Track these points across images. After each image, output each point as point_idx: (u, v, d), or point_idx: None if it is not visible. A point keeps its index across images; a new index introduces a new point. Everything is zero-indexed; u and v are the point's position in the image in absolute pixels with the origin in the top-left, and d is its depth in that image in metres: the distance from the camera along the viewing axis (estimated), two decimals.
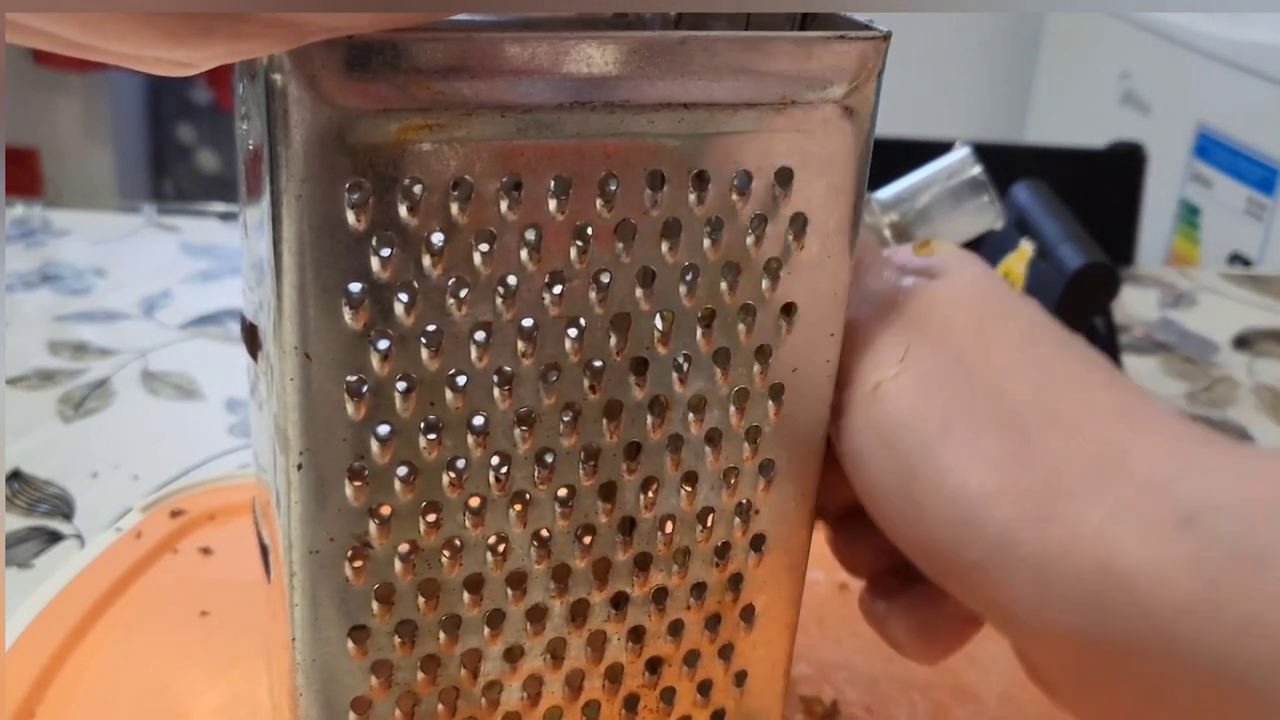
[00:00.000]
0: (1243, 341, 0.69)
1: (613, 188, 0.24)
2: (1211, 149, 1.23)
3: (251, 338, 0.27)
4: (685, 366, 0.26)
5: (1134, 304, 0.74)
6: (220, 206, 0.80)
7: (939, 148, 0.48)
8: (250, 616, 0.37)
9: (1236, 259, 1.19)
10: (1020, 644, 0.26)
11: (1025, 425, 0.25)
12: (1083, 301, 0.52)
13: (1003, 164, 0.55)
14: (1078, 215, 0.56)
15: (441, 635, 0.26)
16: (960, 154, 0.46)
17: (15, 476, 0.48)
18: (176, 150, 1.90)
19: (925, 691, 0.37)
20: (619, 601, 0.27)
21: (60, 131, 1.77)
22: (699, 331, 0.26)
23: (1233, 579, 0.21)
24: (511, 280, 0.24)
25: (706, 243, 0.25)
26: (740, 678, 0.29)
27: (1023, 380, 0.26)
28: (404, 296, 0.23)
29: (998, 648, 0.38)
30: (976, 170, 0.46)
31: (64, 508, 0.47)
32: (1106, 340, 0.57)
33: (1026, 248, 0.55)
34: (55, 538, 0.45)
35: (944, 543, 0.25)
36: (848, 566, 0.30)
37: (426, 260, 0.23)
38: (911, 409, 0.26)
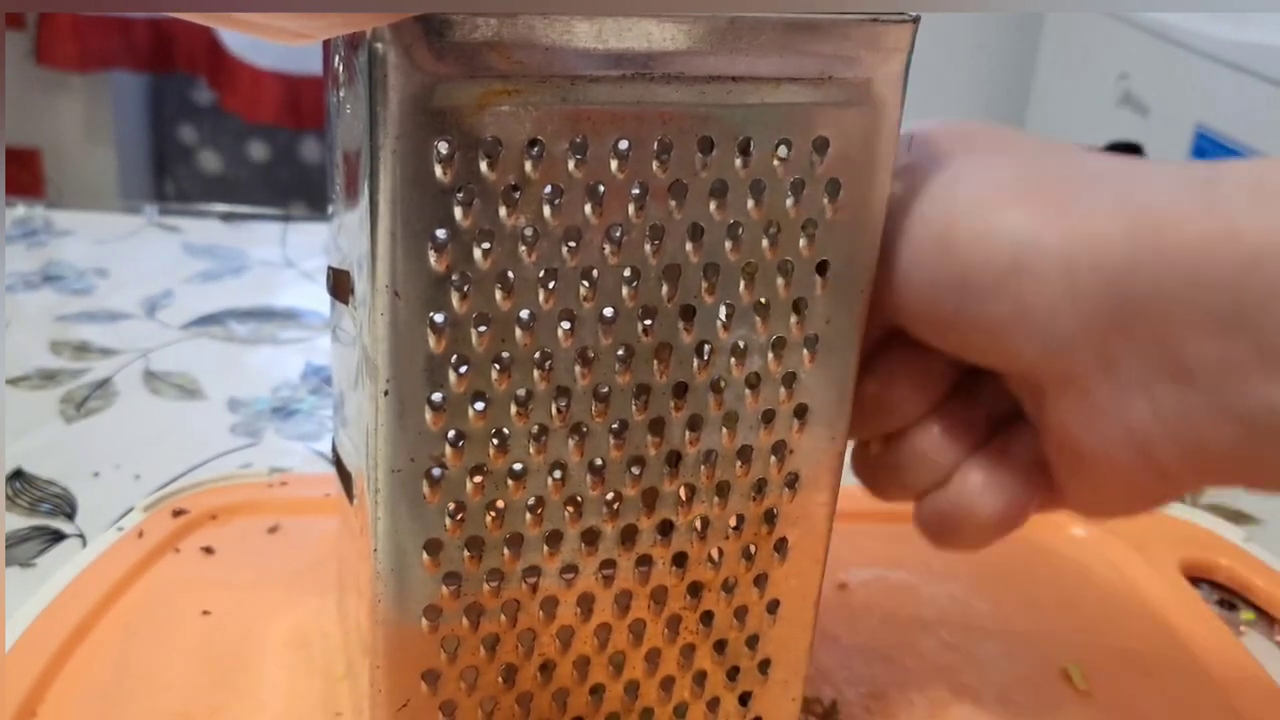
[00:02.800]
0: None
1: (667, 151, 0.27)
2: (1210, 150, 1.24)
3: (340, 284, 0.30)
4: (729, 315, 0.29)
5: None
6: (222, 207, 0.81)
7: None
8: (251, 616, 0.39)
9: None
10: (1051, 376, 0.28)
11: (1031, 159, 0.28)
12: None
13: None
14: None
15: (505, 551, 0.29)
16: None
17: (17, 476, 0.49)
18: (178, 151, 1.91)
19: (924, 691, 0.38)
20: (665, 528, 0.30)
21: (62, 132, 1.79)
22: (741, 284, 0.28)
23: (1249, 214, 0.24)
24: (577, 231, 0.27)
25: (750, 203, 0.28)
26: (773, 606, 0.32)
27: (1021, 143, 0.29)
28: (482, 243, 0.26)
29: (997, 647, 0.41)
30: None
31: (66, 507, 0.47)
32: None
33: None
34: (57, 537, 0.45)
35: (971, 265, 0.27)
36: (909, 473, 0.31)
37: (502, 211, 0.26)
38: (942, 184, 0.29)
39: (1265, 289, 0.24)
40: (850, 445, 0.33)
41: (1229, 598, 0.46)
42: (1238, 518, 0.51)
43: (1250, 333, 0.24)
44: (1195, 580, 0.46)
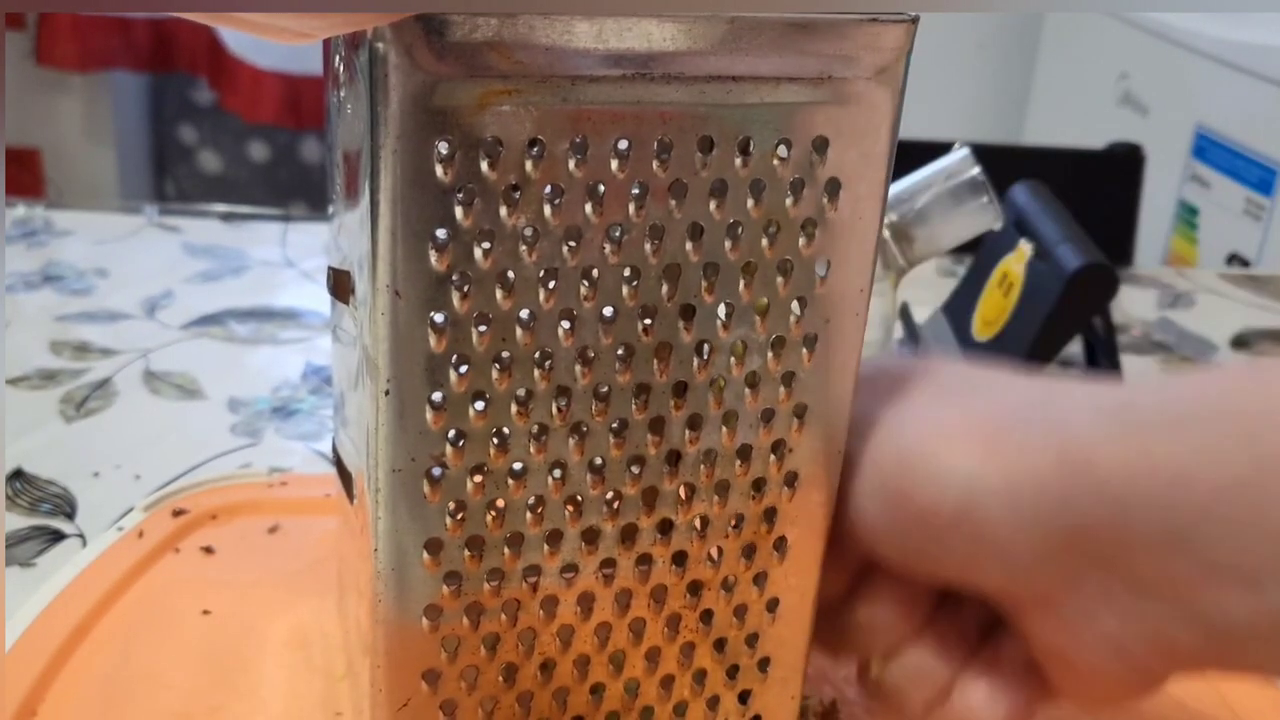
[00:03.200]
0: (1241, 341, 0.70)
1: (667, 151, 0.27)
2: (1210, 150, 1.24)
3: (340, 284, 0.30)
4: (728, 314, 0.29)
5: (1132, 304, 0.74)
6: (221, 207, 0.81)
7: (938, 149, 0.50)
8: (251, 616, 0.39)
9: (1235, 259, 1.20)
10: (1021, 594, 0.30)
11: (964, 395, 0.30)
12: (1081, 302, 0.53)
13: (1001, 165, 0.56)
14: (1076, 216, 0.56)
15: (506, 551, 0.29)
16: (959, 155, 0.48)
17: (17, 476, 0.49)
18: (178, 151, 1.91)
19: None
20: (665, 527, 0.30)
21: (62, 132, 1.79)
22: (741, 283, 0.28)
23: (1164, 443, 0.26)
24: (577, 230, 0.27)
25: (750, 202, 0.28)
26: (772, 604, 0.32)
27: (945, 386, 0.31)
28: (483, 243, 0.26)
29: None
30: (975, 171, 0.48)
31: (66, 507, 0.47)
32: (1105, 341, 0.58)
33: (1025, 248, 0.56)
34: (57, 537, 0.45)
35: (926, 508, 0.29)
36: (912, 688, 0.32)
37: (503, 211, 0.26)
38: (873, 424, 0.31)
39: (1191, 510, 0.26)
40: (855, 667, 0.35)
41: None
42: None
43: (1188, 550, 0.26)
44: None
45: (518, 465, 0.28)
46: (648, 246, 0.27)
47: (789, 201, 0.28)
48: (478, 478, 0.28)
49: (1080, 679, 0.30)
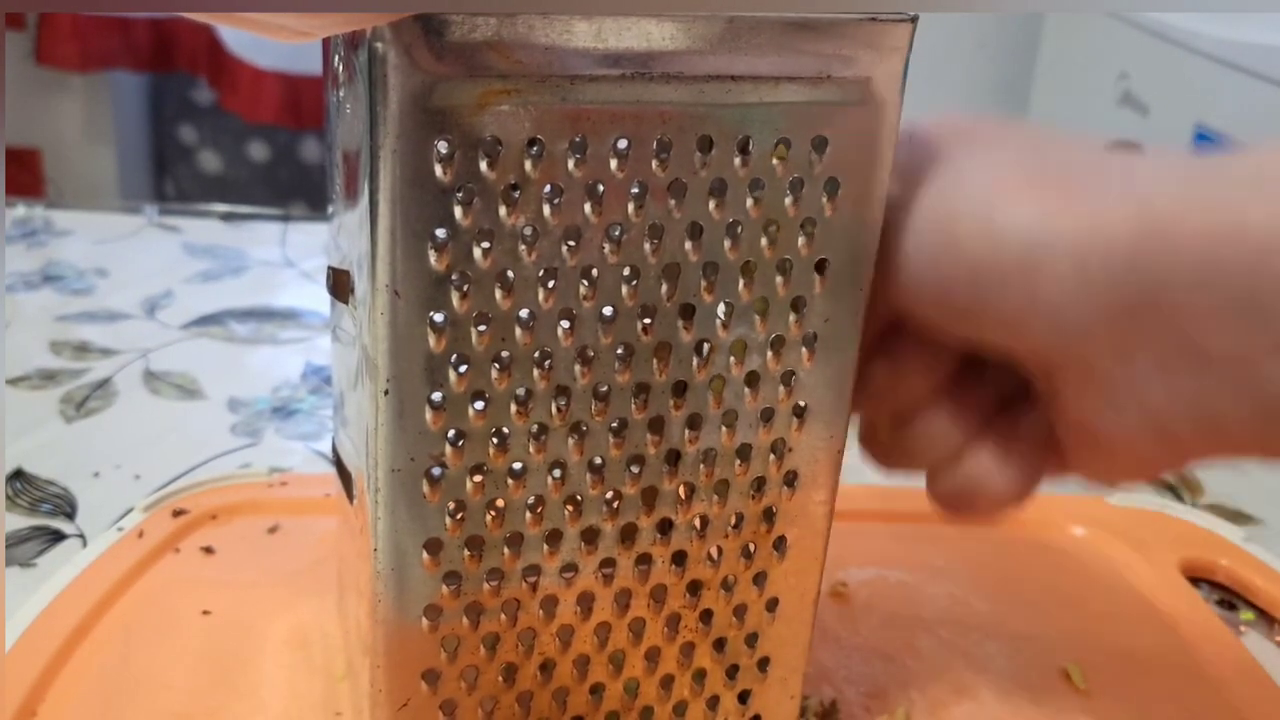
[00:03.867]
0: None
1: (667, 150, 0.27)
2: (1210, 150, 1.24)
3: (340, 284, 0.30)
4: (728, 314, 0.29)
5: None
6: (222, 207, 0.81)
7: None
8: (251, 616, 0.39)
9: None
10: (1064, 365, 0.28)
11: (1035, 152, 0.28)
12: None
13: None
14: None
15: (505, 551, 0.29)
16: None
17: (17, 476, 0.49)
18: (178, 151, 1.90)
19: (924, 690, 0.38)
20: (664, 527, 0.30)
21: (62, 132, 1.78)
22: (741, 282, 0.28)
23: (1256, 208, 0.25)
24: (576, 230, 0.27)
25: (749, 202, 0.28)
26: (772, 604, 0.32)
27: (1023, 136, 0.29)
28: (482, 243, 0.26)
29: (997, 647, 0.41)
30: None
31: (66, 507, 0.47)
32: None
33: None
34: (57, 537, 0.45)
35: (981, 260, 0.27)
36: (919, 450, 0.31)
37: (502, 211, 0.26)
38: (927, 172, 0.29)
39: (1275, 280, 0.24)
40: (856, 423, 0.33)
41: (1229, 598, 0.46)
42: (1238, 518, 0.51)
43: (1263, 321, 0.25)
44: (1195, 580, 0.46)
45: (517, 465, 0.28)
46: (647, 246, 0.27)
47: (788, 201, 0.28)
48: (477, 477, 0.28)
49: (1104, 455, 0.29)
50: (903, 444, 0.32)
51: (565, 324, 0.27)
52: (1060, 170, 0.28)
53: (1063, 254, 0.26)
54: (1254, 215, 0.25)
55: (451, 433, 0.28)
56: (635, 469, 0.29)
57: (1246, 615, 0.45)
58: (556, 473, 0.29)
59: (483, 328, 0.27)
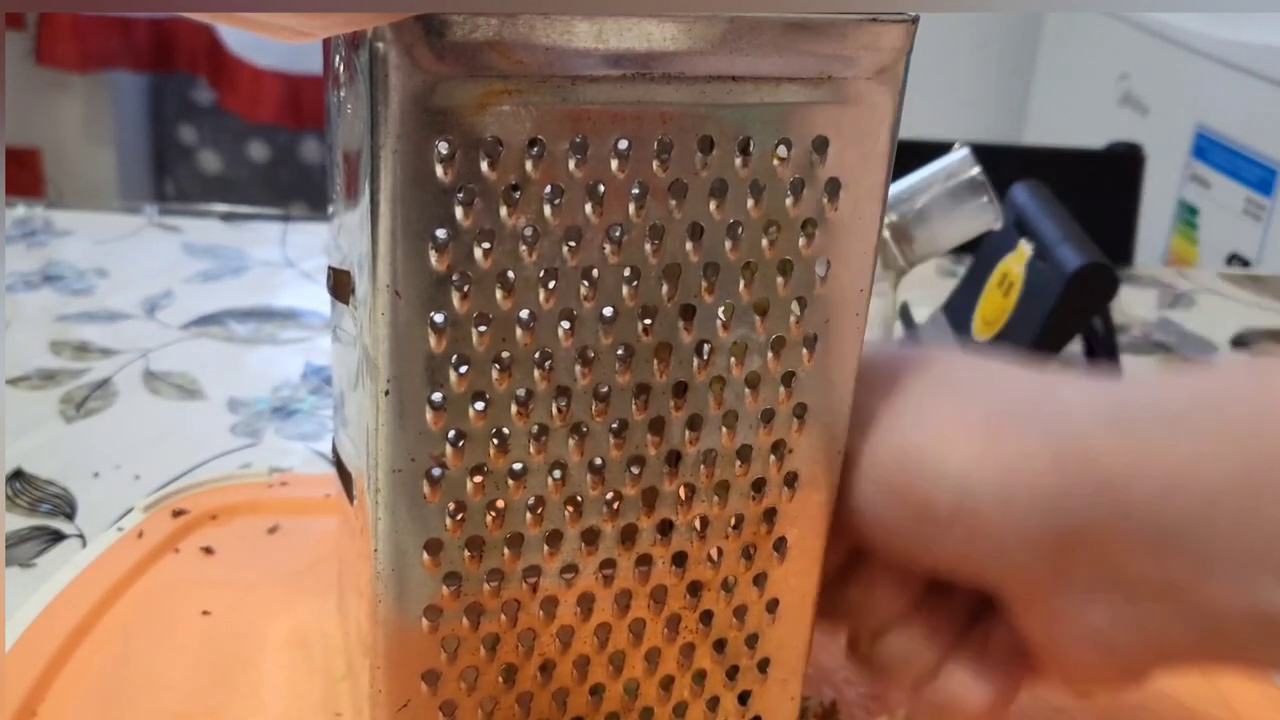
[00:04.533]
0: (1241, 341, 0.70)
1: (667, 150, 0.27)
2: (1210, 149, 1.24)
3: (340, 284, 0.30)
4: (728, 314, 0.29)
5: (1133, 304, 0.74)
6: (222, 207, 0.81)
7: (938, 149, 0.50)
8: (251, 616, 0.39)
9: (1235, 259, 1.20)
10: (1011, 588, 0.30)
11: (961, 388, 0.30)
12: (1081, 302, 0.53)
13: (1001, 165, 0.56)
14: (1076, 216, 0.56)
15: (505, 551, 0.29)
16: (959, 155, 0.48)
17: (17, 476, 0.49)
18: (178, 151, 1.90)
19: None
20: (665, 528, 0.30)
21: (62, 132, 1.79)
22: (741, 283, 0.28)
23: (1160, 446, 0.27)
24: (577, 231, 0.27)
25: (750, 202, 0.28)
26: (772, 605, 0.32)
27: (942, 380, 0.31)
28: (483, 243, 0.26)
29: None
30: (975, 171, 0.48)
31: (66, 507, 0.47)
32: (1105, 341, 0.58)
33: (1025, 248, 0.55)
34: (57, 537, 0.45)
35: (921, 504, 0.29)
36: (902, 664, 0.33)
37: (503, 211, 0.26)
38: (871, 419, 0.31)
39: (1183, 515, 0.26)
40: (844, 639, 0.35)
41: None
42: None
43: (1182, 549, 0.27)
44: None
45: (517, 465, 0.28)
46: (648, 246, 0.27)
47: (789, 201, 0.28)
48: (478, 478, 0.28)
49: (1067, 669, 0.31)
50: (882, 660, 0.33)
51: (566, 324, 0.27)
52: (990, 412, 0.30)
53: (991, 497, 0.28)
54: (1156, 451, 0.27)
55: (452, 433, 0.27)
56: (635, 470, 0.29)
57: None
58: (557, 473, 0.29)
59: (483, 328, 0.27)
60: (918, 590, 0.32)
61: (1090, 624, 0.29)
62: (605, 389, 0.28)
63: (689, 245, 0.28)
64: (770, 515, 0.31)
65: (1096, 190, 1.08)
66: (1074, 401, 0.29)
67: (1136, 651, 0.29)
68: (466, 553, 0.29)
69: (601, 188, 0.26)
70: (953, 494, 0.29)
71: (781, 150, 0.28)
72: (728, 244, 0.28)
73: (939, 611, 0.32)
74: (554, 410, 0.28)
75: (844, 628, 0.34)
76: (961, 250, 0.51)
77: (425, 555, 0.28)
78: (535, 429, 0.28)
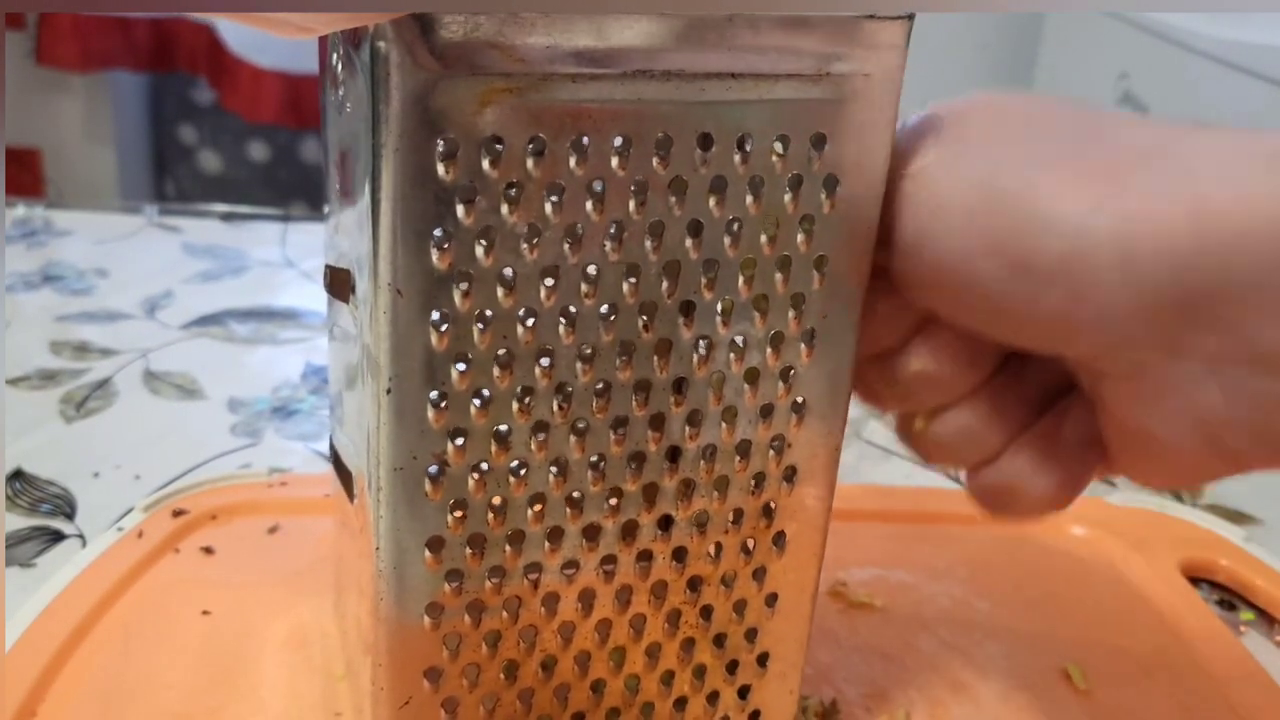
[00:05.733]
0: None
1: (667, 147, 0.27)
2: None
3: (338, 282, 0.30)
4: (727, 311, 0.29)
5: None
6: (222, 207, 0.81)
7: None
8: (251, 616, 0.39)
9: None
10: (1109, 364, 0.27)
11: (1077, 136, 0.26)
12: None
13: None
14: None
15: (506, 548, 0.29)
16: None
17: (17, 476, 0.49)
18: (178, 151, 1.90)
19: (924, 690, 0.38)
20: (665, 523, 0.30)
21: (62, 132, 1.78)
22: (740, 279, 0.29)
23: None
24: (577, 228, 0.27)
25: (749, 199, 0.28)
26: (771, 599, 0.32)
27: (1065, 119, 0.27)
28: (483, 241, 0.26)
29: (998, 647, 0.41)
30: None
31: (66, 507, 0.47)
32: None
33: None
34: (57, 537, 0.45)
35: (1020, 256, 0.25)
36: (954, 449, 0.30)
37: (504, 209, 0.26)
38: (960, 160, 0.27)
39: None
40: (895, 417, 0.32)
41: (1229, 598, 0.46)
42: (1238, 518, 0.51)
43: None
44: (1195, 580, 0.46)
45: (518, 463, 0.28)
46: (647, 243, 0.27)
47: (788, 198, 0.28)
48: (478, 475, 0.28)
49: (1152, 460, 0.28)
50: (939, 440, 0.30)
51: (565, 322, 0.27)
52: (1110, 157, 0.26)
53: (1108, 248, 0.24)
54: None
55: (453, 431, 0.28)
56: (635, 466, 0.29)
57: (1246, 615, 0.45)
58: (557, 470, 0.29)
59: (484, 326, 0.27)
60: (987, 368, 0.29)
61: (1200, 406, 0.25)
62: (605, 386, 0.28)
63: (688, 242, 0.28)
64: (769, 510, 0.31)
65: None
66: (1217, 147, 0.24)
67: (1245, 439, 0.25)
68: (468, 550, 0.29)
69: (601, 185, 0.27)
70: (1062, 243, 0.25)
71: (780, 147, 0.28)
72: (727, 240, 0.28)
73: (1007, 392, 0.29)
74: (554, 407, 0.28)
75: (897, 407, 0.31)
76: None
77: (426, 553, 0.28)
78: (535, 426, 0.28)
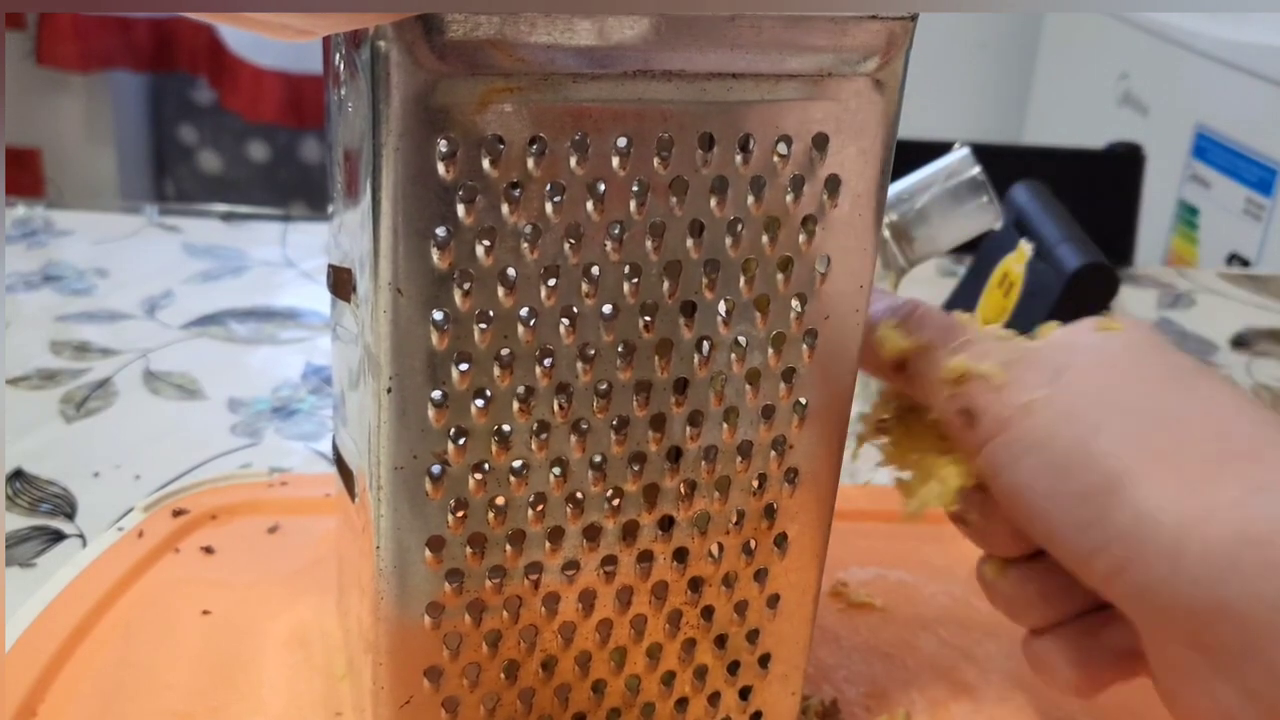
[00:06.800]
0: (1241, 341, 0.70)
1: (668, 148, 0.27)
2: (1210, 149, 1.24)
3: (341, 281, 0.30)
4: (729, 311, 0.29)
5: (1133, 304, 0.74)
6: (222, 207, 0.81)
7: (938, 148, 0.50)
8: (251, 616, 0.39)
9: (1235, 259, 1.20)
10: (1146, 627, 0.28)
11: (1171, 422, 0.28)
12: (1081, 302, 0.52)
13: (1002, 165, 0.56)
14: (1076, 216, 0.56)
15: (507, 548, 0.29)
16: (959, 155, 0.48)
17: (17, 476, 0.49)
18: (178, 151, 1.90)
19: (924, 690, 0.38)
20: (666, 524, 0.30)
21: (62, 132, 1.79)
22: (742, 280, 0.29)
23: None
24: (578, 228, 0.27)
25: (750, 199, 0.28)
26: (773, 600, 0.32)
27: (1173, 395, 0.29)
28: (484, 241, 0.26)
29: (997, 648, 0.41)
30: (975, 171, 0.48)
31: (66, 507, 0.47)
32: None
33: (1025, 248, 0.55)
34: (57, 537, 0.45)
35: (1086, 522, 0.28)
36: (1011, 612, 0.33)
37: (505, 208, 0.26)
38: (1064, 415, 0.29)
39: None
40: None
41: None
42: None
43: None
44: None
45: (519, 462, 0.28)
46: (648, 244, 0.27)
47: (789, 198, 0.28)
48: (479, 475, 0.28)
49: (1180, 711, 0.29)
50: (1000, 592, 0.33)
51: (567, 322, 0.27)
52: (1193, 449, 0.28)
53: (1166, 538, 0.26)
54: None
55: (453, 430, 0.28)
56: (637, 466, 0.29)
57: None
58: (558, 470, 0.29)
59: (485, 325, 0.27)
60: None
61: (1219, 696, 0.27)
62: (606, 386, 0.28)
63: (690, 242, 0.28)
64: (770, 511, 0.31)
65: (1096, 190, 1.08)
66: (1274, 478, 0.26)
67: None
68: (468, 549, 0.29)
69: (602, 185, 0.27)
70: (1130, 517, 0.27)
71: (781, 147, 0.28)
72: (728, 241, 0.28)
73: (1065, 576, 0.31)
74: (555, 407, 0.28)
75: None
76: (961, 250, 0.52)
77: (427, 552, 0.28)
78: (536, 426, 0.28)
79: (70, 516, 0.47)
